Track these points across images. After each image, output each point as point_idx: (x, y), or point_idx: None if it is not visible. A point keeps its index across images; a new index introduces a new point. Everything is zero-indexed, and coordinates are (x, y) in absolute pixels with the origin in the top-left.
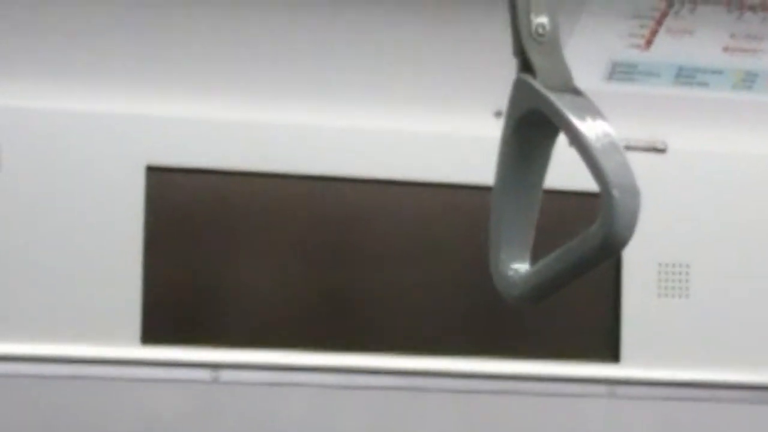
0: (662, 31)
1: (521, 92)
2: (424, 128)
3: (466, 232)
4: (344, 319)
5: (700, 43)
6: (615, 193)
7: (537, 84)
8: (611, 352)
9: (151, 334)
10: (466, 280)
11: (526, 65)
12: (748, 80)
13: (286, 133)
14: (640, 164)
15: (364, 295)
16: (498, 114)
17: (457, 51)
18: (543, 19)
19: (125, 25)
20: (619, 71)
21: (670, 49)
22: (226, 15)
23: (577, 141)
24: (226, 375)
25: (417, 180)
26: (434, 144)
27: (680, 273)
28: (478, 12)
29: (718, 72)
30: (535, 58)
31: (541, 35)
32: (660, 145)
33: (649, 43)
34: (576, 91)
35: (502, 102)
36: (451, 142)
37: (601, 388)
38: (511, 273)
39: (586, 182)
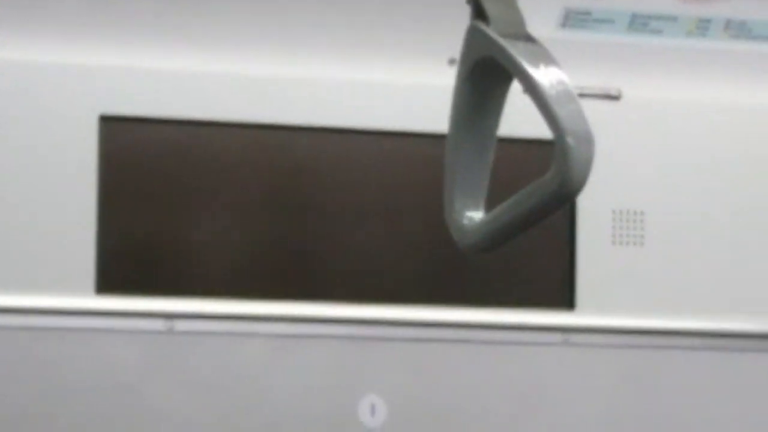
0: None
1: (474, 39)
2: (379, 77)
3: (421, 180)
4: (300, 268)
5: None
6: (569, 140)
7: (490, 31)
8: (566, 300)
9: (105, 284)
10: (421, 229)
11: (479, 12)
12: (702, 27)
13: (242, 83)
14: (594, 112)
15: (320, 245)
16: (452, 62)
17: None
18: None
19: None
20: (573, 18)
21: None
22: None
23: (531, 88)
24: (180, 325)
25: (372, 129)
26: (389, 93)
27: (635, 221)
28: None
29: (671, 19)
30: (488, 5)
31: None
32: (614, 93)
33: None
34: (529, 38)
35: (457, 50)
36: (405, 90)
37: (556, 336)
38: (465, 221)
39: (541, 130)
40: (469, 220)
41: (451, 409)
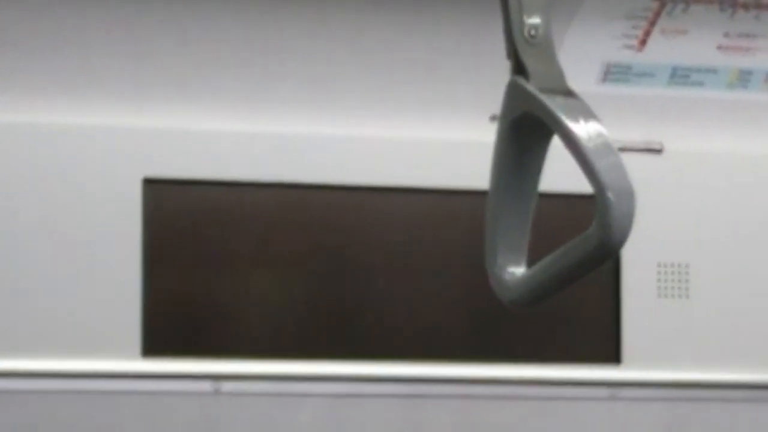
0: (656, 31)
1: (514, 95)
2: (420, 134)
3: (463, 236)
4: (345, 327)
5: (694, 43)
6: (609, 195)
7: (530, 86)
8: (612, 354)
9: (151, 347)
10: (465, 285)
11: (519, 67)
12: (743, 79)
13: (283, 143)
14: (636, 165)
15: (365, 303)
16: (493, 118)
17: (451, 56)
18: (536, 21)
19: (120, 38)
20: (614, 72)
21: (664, 49)
22: (221, 27)
23: (571, 143)
24: (227, 386)
25: (414, 186)
26: (430, 150)
27: (679, 273)
28: (472, 15)
29: (712, 71)
30: (528, 61)
31: (533, 37)
32: (656, 146)
33: (642, 43)
34: (569, 93)
35: (498, 106)
36: (446, 147)
37: (603, 391)
38: (507, 276)
39: (582, 184)
40: (511, 275)
41: None
